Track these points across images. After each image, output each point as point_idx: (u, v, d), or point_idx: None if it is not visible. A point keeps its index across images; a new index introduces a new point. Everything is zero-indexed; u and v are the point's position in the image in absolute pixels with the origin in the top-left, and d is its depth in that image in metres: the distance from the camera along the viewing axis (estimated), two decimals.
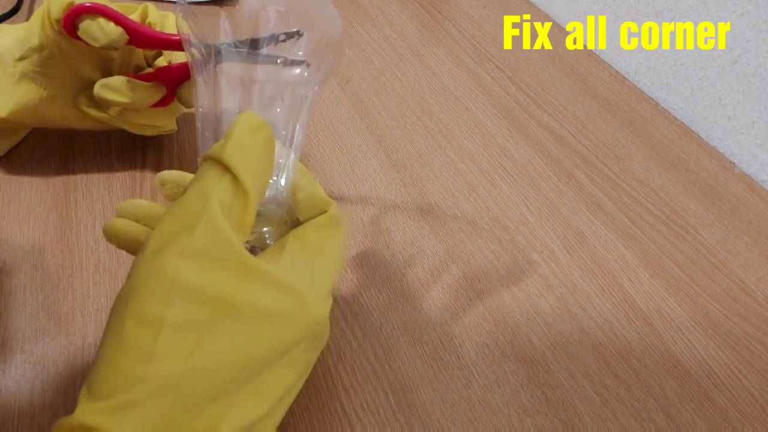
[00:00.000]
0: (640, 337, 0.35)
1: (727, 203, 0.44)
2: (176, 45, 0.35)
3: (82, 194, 0.40)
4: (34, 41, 0.34)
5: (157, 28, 0.36)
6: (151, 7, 0.38)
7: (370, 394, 0.31)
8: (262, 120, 0.24)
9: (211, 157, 0.23)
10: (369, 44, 0.57)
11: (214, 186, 0.22)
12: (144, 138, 0.42)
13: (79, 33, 0.33)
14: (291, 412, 0.30)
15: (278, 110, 0.26)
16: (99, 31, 0.33)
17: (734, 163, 0.48)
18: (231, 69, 0.26)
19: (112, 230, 0.28)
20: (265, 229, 0.27)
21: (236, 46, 0.27)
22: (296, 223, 0.28)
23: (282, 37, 0.28)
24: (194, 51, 0.26)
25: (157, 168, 0.42)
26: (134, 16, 0.36)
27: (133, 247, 0.28)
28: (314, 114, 0.49)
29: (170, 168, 0.42)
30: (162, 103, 0.38)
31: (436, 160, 0.46)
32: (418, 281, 0.37)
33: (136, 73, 0.38)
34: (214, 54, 0.25)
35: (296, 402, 0.31)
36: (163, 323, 0.21)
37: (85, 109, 0.37)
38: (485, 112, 0.51)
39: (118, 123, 0.39)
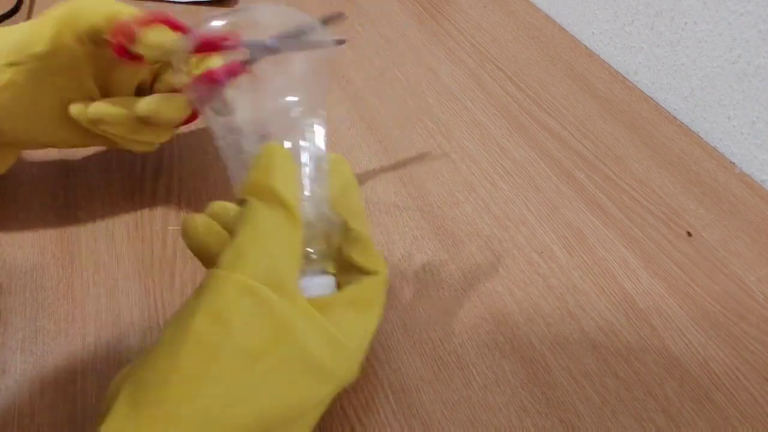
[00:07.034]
0: (640, 337, 0.35)
1: (727, 203, 0.44)
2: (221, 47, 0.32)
3: (82, 194, 0.40)
4: (40, 47, 0.31)
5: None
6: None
7: (370, 394, 0.31)
8: (286, 149, 0.25)
9: (259, 189, 0.24)
10: (369, 44, 0.57)
11: (270, 218, 0.23)
12: None
13: (141, 47, 0.30)
14: None
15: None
16: (164, 41, 0.30)
17: (734, 163, 0.48)
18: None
19: (191, 227, 0.27)
20: (310, 249, 0.27)
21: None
22: (333, 243, 0.28)
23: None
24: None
25: (157, 166, 0.42)
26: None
27: (203, 253, 0.27)
28: None
29: (170, 169, 0.42)
30: (191, 118, 0.36)
31: (436, 160, 0.46)
32: (418, 281, 0.37)
33: (138, 92, 0.36)
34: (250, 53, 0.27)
35: None
36: (219, 349, 0.21)
37: (76, 113, 0.34)
38: (485, 112, 0.51)
39: (112, 138, 0.35)
